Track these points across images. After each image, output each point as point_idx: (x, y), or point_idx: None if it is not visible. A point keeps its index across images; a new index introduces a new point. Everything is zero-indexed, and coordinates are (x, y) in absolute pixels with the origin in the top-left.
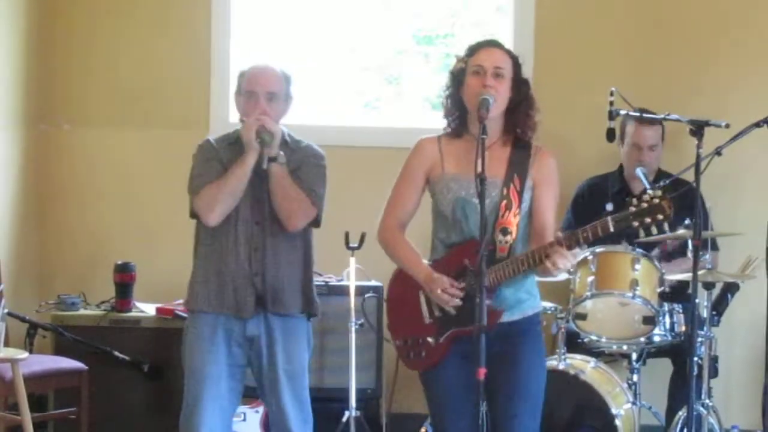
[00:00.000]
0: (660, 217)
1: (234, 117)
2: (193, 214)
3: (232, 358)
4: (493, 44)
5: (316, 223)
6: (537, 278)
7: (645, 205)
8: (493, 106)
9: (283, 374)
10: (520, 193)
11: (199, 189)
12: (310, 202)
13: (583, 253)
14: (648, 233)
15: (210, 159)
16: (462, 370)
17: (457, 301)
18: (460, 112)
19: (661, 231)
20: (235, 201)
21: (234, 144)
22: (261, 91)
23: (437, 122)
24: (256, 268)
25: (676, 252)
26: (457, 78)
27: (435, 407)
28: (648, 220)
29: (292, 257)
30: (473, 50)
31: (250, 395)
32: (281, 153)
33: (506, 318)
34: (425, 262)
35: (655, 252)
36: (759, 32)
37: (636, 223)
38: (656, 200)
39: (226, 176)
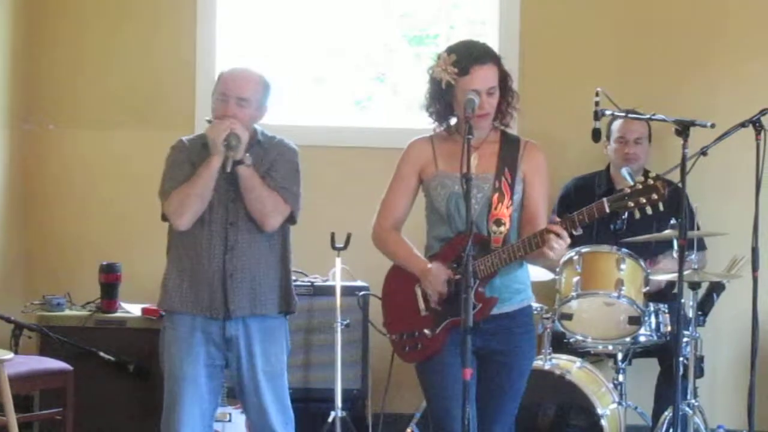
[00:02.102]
0: (655, 197)
1: None
2: (165, 217)
3: (210, 359)
4: (481, 61)
5: (291, 220)
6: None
7: (640, 186)
8: (486, 119)
9: (263, 375)
10: (512, 186)
11: (168, 193)
12: (283, 200)
13: (569, 253)
14: (643, 214)
15: (181, 161)
16: (459, 360)
17: (447, 278)
18: (451, 115)
19: (656, 212)
20: (203, 203)
21: (207, 146)
22: (232, 95)
23: (426, 123)
24: (231, 269)
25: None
26: (446, 91)
27: (433, 396)
28: (643, 200)
29: (269, 257)
30: (464, 69)
31: (235, 396)
32: (247, 155)
33: (501, 309)
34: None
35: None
36: (743, 32)
37: (632, 203)
38: (651, 181)
39: (193, 179)
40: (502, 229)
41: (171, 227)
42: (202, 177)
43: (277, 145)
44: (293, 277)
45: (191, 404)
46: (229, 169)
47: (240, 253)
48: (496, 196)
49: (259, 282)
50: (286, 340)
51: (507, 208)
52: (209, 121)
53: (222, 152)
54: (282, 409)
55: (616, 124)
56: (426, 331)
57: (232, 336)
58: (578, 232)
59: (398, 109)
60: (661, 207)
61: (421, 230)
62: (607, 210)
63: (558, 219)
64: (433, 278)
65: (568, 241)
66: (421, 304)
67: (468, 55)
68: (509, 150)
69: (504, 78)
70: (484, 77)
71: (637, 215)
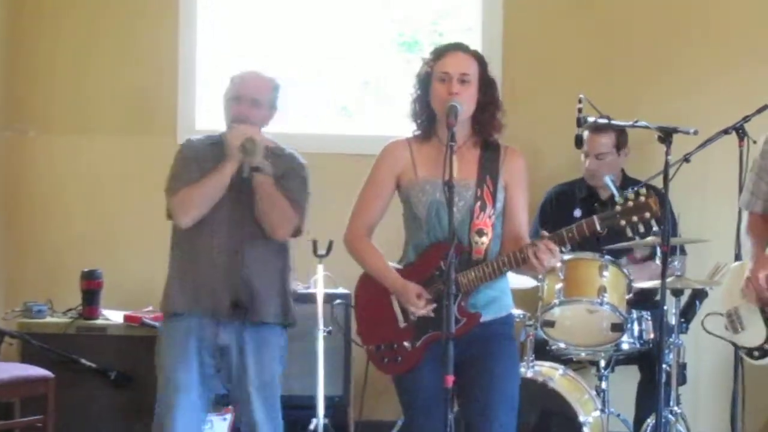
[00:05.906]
0: (647, 215)
1: (201, 123)
2: (170, 215)
3: (203, 367)
4: (458, 48)
5: (297, 232)
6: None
7: (631, 203)
8: (461, 113)
9: (254, 386)
10: (494, 194)
11: (176, 190)
12: (294, 212)
13: None
14: (635, 232)
15: (189, 160)
16: (437, 374)
17: (431, 306)
18: (428, 115)
19: (648, 230)
20: (209, 206)
21: (216, 144)
22: (245, 96)
23: (411, 131)
24: (234, 272)
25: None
26: (424, 81)
27: (408, 410)
28: (635, 218)
29: (270, 264)
30: (439, 54)
31: (217, 403)
32: (267, 163)
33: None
34: (393, 264)
35: (623, 261)
36: (725, 39)
37: (623, 222)
38: (643, 198)
39: (204, 181)
40: (484, 239)
41: (175, 227)
42: (214, 181)
43: (289, 158)
44: None
45: (184, 412)
46: (246, 174)
47: (244, 257)
48: (477, 205)
49: (260, 288)
50: (281, 352)
51: (489, 217)
52: (229, 126)
53: (238, 158)
54: (271, 420)
55: (586, 137)
56: (406, 343)
57: (226, 344)
58: (567, 249)
59: (383, 116)
60: (654, 225)
61: (394, 235)
62: (598, 228)
63: (547, 234)
64: (411, 298)
65: (560, 256)
66: (400, 316)
67: (446, 44)
68: (490, 156)
69: (486, 83)
70: (456, 62)
71: (629, 233)
